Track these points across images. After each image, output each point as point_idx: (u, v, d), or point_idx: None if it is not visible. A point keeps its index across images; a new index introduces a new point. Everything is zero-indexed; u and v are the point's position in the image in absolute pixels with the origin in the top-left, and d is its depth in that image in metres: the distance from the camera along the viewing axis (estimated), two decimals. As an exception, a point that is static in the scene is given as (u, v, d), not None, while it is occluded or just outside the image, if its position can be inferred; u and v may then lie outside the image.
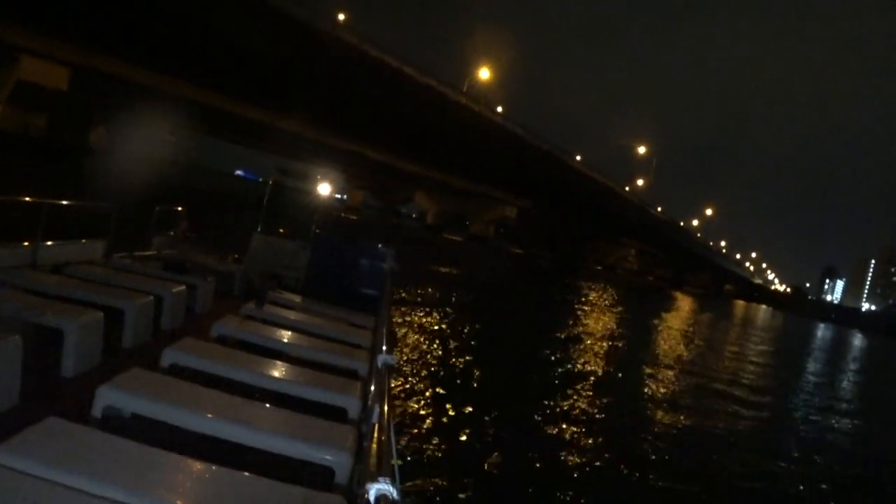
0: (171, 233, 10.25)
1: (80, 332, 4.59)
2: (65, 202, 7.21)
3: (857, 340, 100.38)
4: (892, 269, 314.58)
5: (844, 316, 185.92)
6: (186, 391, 3.80)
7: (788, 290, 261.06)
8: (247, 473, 2.93)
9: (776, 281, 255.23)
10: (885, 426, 24.42)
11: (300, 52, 35.51)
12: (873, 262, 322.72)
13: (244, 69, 37.99)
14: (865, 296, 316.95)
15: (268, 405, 4.03)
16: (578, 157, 69.75)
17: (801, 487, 13.13)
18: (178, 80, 43.94)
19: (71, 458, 2.64)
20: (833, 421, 21.51)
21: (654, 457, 12.50)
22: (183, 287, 6.76)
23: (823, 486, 13.60)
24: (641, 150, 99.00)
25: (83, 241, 7.61)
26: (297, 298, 8.14)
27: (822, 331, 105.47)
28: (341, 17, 44.03)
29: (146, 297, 5.86)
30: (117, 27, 33.25)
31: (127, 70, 41.48)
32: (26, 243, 6.51)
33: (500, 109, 56.81)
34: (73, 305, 5.03)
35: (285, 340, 5.74)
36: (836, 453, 16.91)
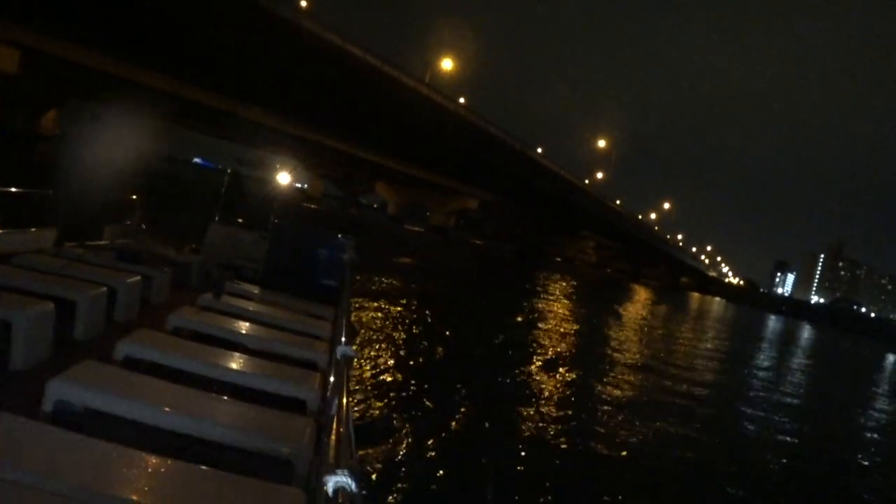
0: (126, 222, 10.03)
1: (29, 324, 4.47)
2: (13, 189, 7.00)
3: (806, 332, 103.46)
4: (840, 264, 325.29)
5: (794, 308, 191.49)
6: (141, 384, 3.73)
7: (742, 282, 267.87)
8: (203, 467, 2.90)
9: (730, 274, 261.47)
10: (829, 414, 25.28)
11: (261, 39, 34.96)
12: (822, 256, 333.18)
13: (202, 55, 37.23)
14: (814, 289, 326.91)
15: (225, 397, 3.98)
16: (539, 150, 70.27)
17: (742, 476, 13.52)
18: (134, 66, 42.84)
19: (21, 453, 2.58)
20: (778, 408, 22.14)
21: (608, 450, 12.72)
22: (138, 278, 6.62)
23: (765, 476, 14.02)
24: (601, 143, 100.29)
25: (33, 229, 7.39)
26: (255, 289, 8.03)
27: (773, 322, 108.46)
28: (303, 3, 43.51)
29: (99, 288, 5.72)
30: (71, 9, 32.24)
31: (81, 54, 40.26)
32: None
33: (462, 101, 56.83)
34: (22, 296, 4.88)
35: (243, 332, 5.66)
36: (778, 440, 17.43)
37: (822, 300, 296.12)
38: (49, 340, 4.76)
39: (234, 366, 4.59)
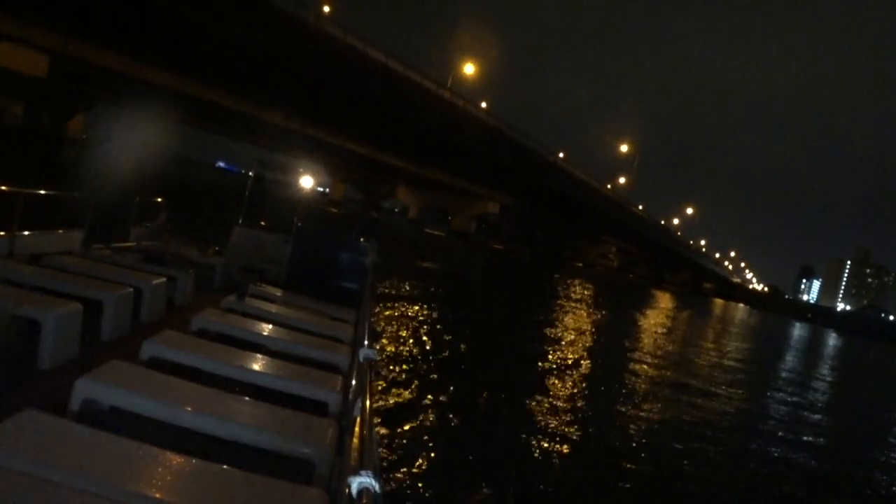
0: (151, 224, 10.15)
1: (57, 324, 4.53)
2: (42, 191, 7.10)
3: (832, 340, 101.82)
4: (867, 271, 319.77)
5: (820, 315, 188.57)
6: (166, 384, 3.76)
7: (766, 289, 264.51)
8: (226, 467, 2.92)
9: (754, 280, 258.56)
10: (857, 424, 24.83)
11: (284, 43, 35.27)
12: (849, 263, 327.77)
13: (226, 59, 37.63)
14: (841, 296, 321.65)
15: (248, 399, 4.00)
16: (561, 155, 70.01)
17: (770, 481, 13.32)
18: (160, 70, 43.45)
19: (48, 451, 2.61)
20: (804, 416, 21.81)
21: (630, 453, 12.61)
22: (163, 279, 6.70)
23: (793, 480, 13.81)
24: (624, 148, 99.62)
25: (61, 231, 7.50)
26: (278, 292, 8.08)
27: (798, 330, 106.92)
28: (326, 9, 43.86)
29: (125, 289, 5.80)
30: (99, 14, 32.78)
31: (109, 59, 40.96)
32: (2, 233, 6.40)
33: (484, 105, 56.85)
34: (50, 297, 4.96)
35: (266, 334, 5.70)
36: (804, 447, 17.16)
37: (848, 307, 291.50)
38: (76, 340, 4.83)
39: (257, 367, 4.62)
